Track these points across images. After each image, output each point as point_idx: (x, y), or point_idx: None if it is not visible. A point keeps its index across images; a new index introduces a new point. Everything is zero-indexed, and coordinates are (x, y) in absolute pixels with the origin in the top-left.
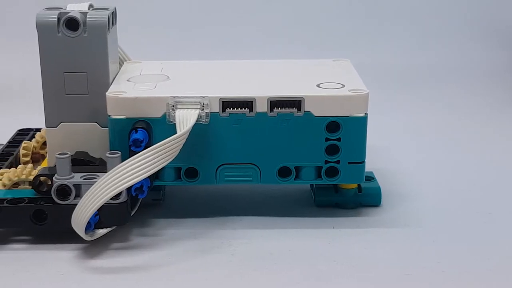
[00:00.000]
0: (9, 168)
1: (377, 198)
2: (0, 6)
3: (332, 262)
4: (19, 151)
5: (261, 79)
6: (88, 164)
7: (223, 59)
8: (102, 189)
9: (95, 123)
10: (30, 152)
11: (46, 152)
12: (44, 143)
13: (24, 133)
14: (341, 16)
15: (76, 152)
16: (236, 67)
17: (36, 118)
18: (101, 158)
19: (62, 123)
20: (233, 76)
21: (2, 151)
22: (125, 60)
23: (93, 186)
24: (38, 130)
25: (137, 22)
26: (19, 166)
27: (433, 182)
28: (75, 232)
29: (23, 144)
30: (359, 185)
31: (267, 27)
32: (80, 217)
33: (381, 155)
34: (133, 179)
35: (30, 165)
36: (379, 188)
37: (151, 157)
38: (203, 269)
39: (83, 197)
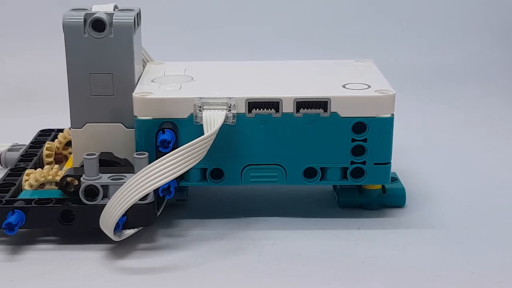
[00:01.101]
0: (33, 168)
1: (402, 199)
2: (24, 6)
3: (360, 263)
4: (42, 152)
5: (286, 80)
6: (113, 164)
7: (240, 59)
8: (131, 190)
9: (120, 124)
10: (53, 153)
11: (69, 153)
12: (67, 144)
13: (46, 134)
14: (357, 17)
15: (101, 152)
16: (259, 68)
17: (55, 119)
18: (125, 158)
19: (87, 124)
20: (257, 77)
21: (26, 152)
22: (148, 61)
23: (122, 187)
24: (60, 130)
25: (154, 22)
26: (46, 167)
27: (455, 182)
28: (101, 232)
29: (46, 145)
30: (383, 186)
31: (281, 28)
32: (109, 217)
33: (401, 156)
34: (162, 180)
35: (56, 166)
36: (403, 189)
37: (179, 158)
38: (231, 270)
39: (111, 198)
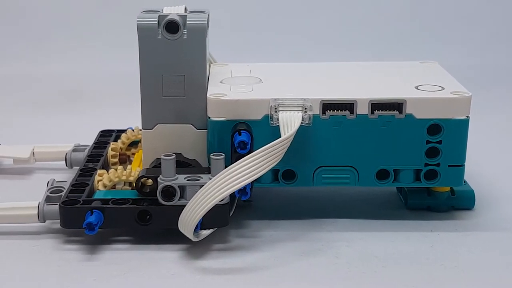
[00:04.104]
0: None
1: (471, 201)
2: (79, 6)
3: (440, 266)
4: (107, 152)
5: (358, 81)
6: (184, 165)
7: (291, 61)
8: (212, 191)
9: (190, 125)
10: (118, 153)
11: (132, 154)
12: (130, 144)
13: (107, 134)
14: (403, 18)
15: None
16: (324, 69)
17: (102, 119)
18: (195, 159)
19: (158, 124)
20: (326, 78)
21: (91, 152)
22: (212, 62)
23: (203, 188)
24: (120, 131)
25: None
26: (119, 168)
27: None
28: (174, 232)
29: (111, 145)
30: (452, 187)
31: (319, 32)
32: (190, 219)
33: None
34: (242, 181)
35: (129, 166)
36: (472, 191)
37: (259, 160)
38: (311, 272)
39: (192, 199)
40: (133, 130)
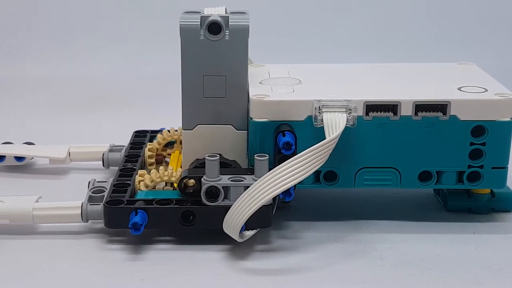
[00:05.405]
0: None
1: (511, 203)
2: (111, 8)
3: (486, 268)
4: (145, 152)
5: (399, 82)
6: (224, 166)
7: (320, 62)
8: (259, 192)
9: (230, 126)
10: (154, 154)
11: (168, 154)
12: (166, 145)
13: (141, 135)
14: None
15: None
16: (361, 70)
17: (136, 120)
18: (235, 160)
19: (198, 125)
20: (366, 79)
21: (128, 153)
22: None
23: (249, 189)
24: (154, 131)
25: None
26: (160, 168)
27: None
28: (217, 232)
29: (148, 146)
30: (492, 189)
31: (347, 34)
32: (235, 220)
33: None
34: (288, 182)
35: (171, 167)
36: None
37: (306, 161)
38: (356, 273)
39: (238, 200)
40: (168, 131)
